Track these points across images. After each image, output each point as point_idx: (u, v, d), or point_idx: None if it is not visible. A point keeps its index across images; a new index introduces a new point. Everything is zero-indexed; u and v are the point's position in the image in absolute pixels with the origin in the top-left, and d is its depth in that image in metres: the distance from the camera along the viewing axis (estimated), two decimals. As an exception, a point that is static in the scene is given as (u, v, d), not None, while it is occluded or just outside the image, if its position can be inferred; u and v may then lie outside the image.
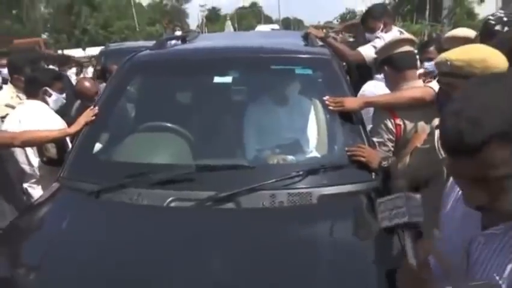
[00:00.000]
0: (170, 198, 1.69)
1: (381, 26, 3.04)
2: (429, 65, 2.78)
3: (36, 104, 2.73)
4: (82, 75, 7.48)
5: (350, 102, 2.03)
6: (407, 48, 2.15)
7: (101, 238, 1.57)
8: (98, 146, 2.12)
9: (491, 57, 1.53)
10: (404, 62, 2.13)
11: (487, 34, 1.87)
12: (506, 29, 2.08)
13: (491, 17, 2.13)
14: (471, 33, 2.58)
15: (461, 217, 0.95)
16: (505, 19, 2.11)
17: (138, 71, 2.39)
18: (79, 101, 3.54)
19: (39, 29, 28.75)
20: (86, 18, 31.30)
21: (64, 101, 2.88)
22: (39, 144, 2.17)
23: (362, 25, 3.27)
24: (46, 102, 2.75)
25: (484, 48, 1.61)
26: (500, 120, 0.70)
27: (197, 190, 1.71)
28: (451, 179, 1.00)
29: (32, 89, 2.78)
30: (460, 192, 0.89)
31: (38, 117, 2.59)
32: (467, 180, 0.77)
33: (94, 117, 2.13)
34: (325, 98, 2.04)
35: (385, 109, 2.11)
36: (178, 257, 1.44)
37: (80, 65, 8.94)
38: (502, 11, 2.18)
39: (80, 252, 1.49)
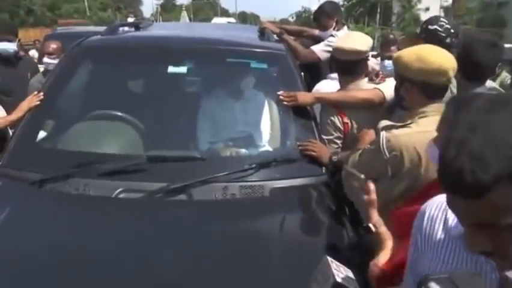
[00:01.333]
0: (119, 189, 1.65)
1: (334, 24, 3.09)
2: (389, 64, 2.88)
3: None
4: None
5: (303, 97, 2.07)
6: (361, 56, 2.20)
7: (44, 230, 1.49)
8: (42, 134, 2.01)
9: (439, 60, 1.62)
10: (356, 69, 2.19)
11: (431, 41, 1.98)
12: (452, 40, 2.22)
13: (439, 28, 2.24)
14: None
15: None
16: (452, 31, 2.26)
17: (88, 57, 2.29)
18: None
19: (-22, 7, 26.67)
20: (31, -2, 29.43)
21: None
22: None
23: (315, 22, 3.30)
24: None
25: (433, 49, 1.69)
26: (510, 158, 0.56)
27: (148, 181, 1.68)
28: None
29: None
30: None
31: None
32: (470, 223, 0.62)
33: (38, 103, 2.02)
34: (279, 93, 2.07)
35: (333, 107, 2.17)
36: (126, 250, 1.40)
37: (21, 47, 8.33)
38: (445, 21, 2.31)
39: (20, 245, 1.41)
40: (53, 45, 3.41)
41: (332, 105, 2.18)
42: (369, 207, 1.31)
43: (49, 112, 2.08)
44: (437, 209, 0.86)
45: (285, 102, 2.04)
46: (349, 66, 2.17)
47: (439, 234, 0.83)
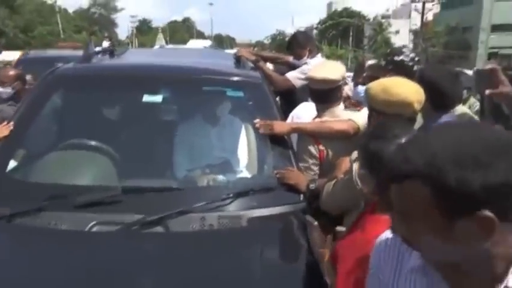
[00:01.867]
0: (93, 222, 1.60)
1: (307, 53, 3.17)
2: (361, 90, 2.95)
3: None
4: None
5: (279, 127, 2.09)
6: (334, 85, 2.25)
7: (13, 269, 1.43)
8: (12, 164, 1.95)
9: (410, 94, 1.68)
10: (330, 97, 2.24)
11: (403, 73, 2.07)
12: (419, 66, 2.31)
13: (405, 59, 2.33)
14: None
15: None
16: (416, 59, 2.35)
17: (61, 85, 2.25)
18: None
19: None
20: (3, 20, 28.94)
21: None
22: None
23: (288, 51, 3.38)
24: None
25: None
26: (427, 163, 0.71)
27: (123, 213, 1.64)
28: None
29: None
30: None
31: None
32: (396, 210, 0.79)
33: (8, 133, 1.96)
34: (255, 121, 2.08)
35: (309, 136, 2.20)
36: (103, 284, 1.35)
37: None
38: (408, 50, 2.42)
39: None
40: (6, 73, 3.30)
41: (307, 135, 2.21)
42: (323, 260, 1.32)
43: (20, 142, 2.02)
44: (388, 247, 0.98)
45: (261, 131, 2.06)
46: (323, 94, 2.22)
47: (396, 270, 0.95)
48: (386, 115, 1.64)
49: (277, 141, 2.09)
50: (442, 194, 0.69)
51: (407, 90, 1.67)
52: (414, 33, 35.15)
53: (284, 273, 1.50)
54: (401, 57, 2.32)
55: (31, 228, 1.59)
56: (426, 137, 0.77)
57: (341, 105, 2.33)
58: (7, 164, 1.92)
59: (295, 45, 3.23)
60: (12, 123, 2.01)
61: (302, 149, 2.19)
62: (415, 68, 2.30)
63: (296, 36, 3.34)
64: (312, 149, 2.17)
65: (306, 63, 3.05)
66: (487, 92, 1.64)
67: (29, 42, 26.51)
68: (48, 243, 1.56)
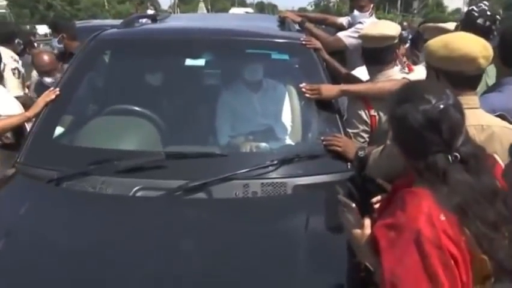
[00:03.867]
0: (137, 187, 1.59)
1: (370, 9, 2.91)
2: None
3: None
4: None
5: (327, 90, 1.97)
6: (390, 42, 2.08)
7: (61, 230, 1.45)
8: (58, 130, 1.97)
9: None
10: (384, 57, 2.08)
11: (467, 24, 1.86)
12: (487, 23, 2.07)
13: (475, 8, 2.10)
14: (450, 26, 2.57)
15: None
16: (488, 13, 2.10)
17: (104, 50, 2.24)
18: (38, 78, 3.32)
19: None
20: (50, -7, 29.84)
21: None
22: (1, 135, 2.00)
23: (352, 1, 3.10)
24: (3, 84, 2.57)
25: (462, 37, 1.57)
26: None
27: (166, 179, 1.62)
28: None
29: None
30: None
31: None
32: None
33: (54, 99, 1.98)
34: (301, 85, 1.97)
35: (360, 99, 2.06)
36: (144, 250, 1.35)
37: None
38: (486, 3, 2.16)
39: (38, 244, 1.38)
40: (42, 62, 3.12)
41: (358, 98, 2.07)
42: (361, 243, 1.18)
43: (66, 108, 2.04)
44: None
45: (307, 95, 1.94)
46: (376, 54, 2.06)
47: None
48: (447, 73, 1.48)
49: (324, 106, 1.98)
50: None
51: (470, 45, 1.48)
52: (470, -6, 32.72)
53: (329, 244, 1.43)
54: (472, 7, 2.09)
55: (78, 192, 1.61)
56: None
57: (396, 68, 2.15)
58: (54, 129, 1.95)
59: None
60: (57, 89, 2.02)
61: (352, 114, 2.07)
62: (480, 20, 2.06)
63: None
64: (363, 114, 2.04)
65: (360, 22, 2.83)
66: None
67: (75, 14, 27.18)
68: (94, 206, 1.57)
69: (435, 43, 1.55)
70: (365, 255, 1.17)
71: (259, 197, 1.60)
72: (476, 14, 2.07)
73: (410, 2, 38.87)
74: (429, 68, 1.60)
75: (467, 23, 1.87)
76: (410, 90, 1.16)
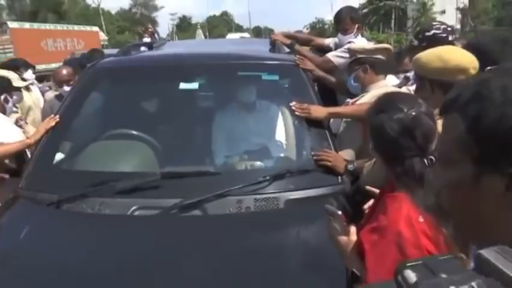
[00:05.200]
0: (134, 207, 1.65)
1: (355, 30, 3.02)
2: (411, 75, 2.83)
3: None
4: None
5: (316, 111, 2.04)
6: (384, 55, 2.21)
7: (63, 250, 1.51)
8: (59, 155, 2.05)
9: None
10: (383, 68, 2.20)
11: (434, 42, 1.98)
12: (454, 36, 2.19)
13: (437, 31, 2.21)
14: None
15: None
16: (449, 29, 2.23)
17: (102, 77, 2.33)
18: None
19: (2, 37, 27.79)
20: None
21: (14, 109, 2.90)
22: (1, 160, 2.08)
23: (336, 24, 3.20)
24: (4, 110, 2.66)
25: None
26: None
27: (162, 198, 1.68)
28: None
29: None
30: None
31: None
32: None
33: (54, 126, 2.06)
34: (292, 104, 2.05)
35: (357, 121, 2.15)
36: (144, 266, 1.39)
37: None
38: (437, 23, 2.30)
39: (40, 264, 1.43)
40: (60, 75, 3.53)
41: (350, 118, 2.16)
42: (347, 249, 1.24)
43: (65, 134, 2.12)
44: None
45: (297, 113, 2.02)
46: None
47: None
48: (441, 83, 1.56)
49: (314, 124, 2.05)
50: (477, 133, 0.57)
51: (462, 56, 1.58)
52: (462, 11, 33.32)
53: (321, 256, 1.47)
54: (432, 32, 2.20)
55: (77, 213, 1.67)
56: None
57: (390, 78, 2.27)
58: (54, 154, 2.02)
59: (347, 17, 3.02)
60: (57, 116, 2.11)
61: (348, 134, 2.16)
62: (451, 38, 2.17)
63: (349, 8, 3.14)
64: (358, 134, 2.12)
65: (350, 41, 2.93)
66: None
67: (75, 45, 27.66)
68: (93, 227, 1.62)
69: (427, 56, 1.64)
70: (351, 261, 1.22)
71: (252, 212, 1.66)
72: (444, 35, 2.19)
73: (404, 21, 39.56)
74: (422, 79, 1.66)
75: (435, 45, 2.00)
76: (384, 101, 1.24)
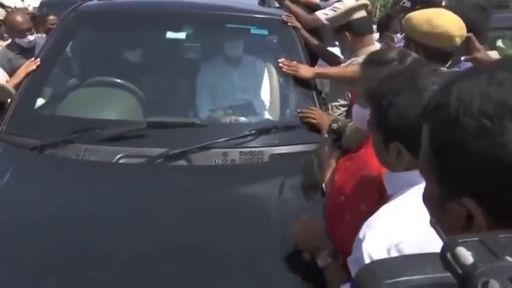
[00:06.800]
0: (119, 155, 1.65)
1: None
2: (396, 37, 2.82)
3: None
4: None
5: (303, 71, 2.04)
6: (363, 13, 2.19)
7: (46, 195, 1.50)
8: (40, 100, 2.00)
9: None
10: (363, 27, 2.18)
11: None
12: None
13: None
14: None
15: None
16: None
17: (84, 22, 2.24)
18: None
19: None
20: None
21: None
22: None
23: None
24: None
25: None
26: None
27: (148, 147, 1.68)
28: None
29: None
30: None
31: None
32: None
33: (35, 70, 2.00)
34: (280, 60, 2.04)
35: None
36: (129, 215, 1.41)
37: None
38: None
39: (22, 210, 1.42)
40: (14, 21, 3.00)
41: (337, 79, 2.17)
42: (328, 169, 1.37)
43: (47, 78, 2.06)
44: None
45: (284, 70, 2.02)
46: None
47: None
48: (426, 47, 1.57)
49: (301, 81, 2.05)
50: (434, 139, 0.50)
51: (451, 23, 1.58)
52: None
53: (303, 209, 1.52)
54: None
55: (61, 158, 1.66)
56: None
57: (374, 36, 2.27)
58: (36, 99, 1.97)
59: None
60: (38, 60, 2.04)
61: (334, 88, 2.17)
62: (444, 3, 2.17)
63: None
64: (344, 89, 2.14)
65: (339, 0, 2.89)
66: None
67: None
68: (78, 172, 1.62)
69: (417, 16, 1.63)
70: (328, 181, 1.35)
71: (237, 164, 1.69)
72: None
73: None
74: (409, 40, 1.67)
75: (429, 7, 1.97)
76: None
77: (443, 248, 0.36)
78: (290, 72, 2.02)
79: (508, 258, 0.33)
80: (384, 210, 0.86)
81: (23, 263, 1.19)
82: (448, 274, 0.35)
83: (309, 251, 1.21)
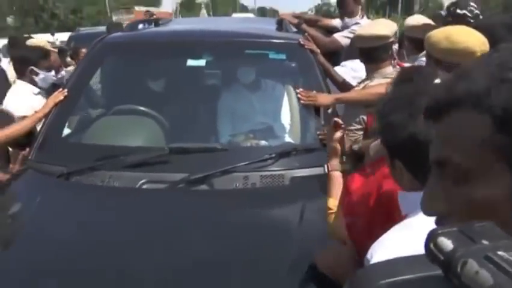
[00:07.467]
0: (142, 180, 1.68)
1: (359, 11, 2.99)
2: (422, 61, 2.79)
3: (22, 85, 2.66)
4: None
5: (322, 99, 2.04)
6: (384, 41, 2.18)
7: (73, 221, 1.54)
8: (67, 129, 2.08)
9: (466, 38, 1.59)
10: (378, 56, 2.17)
11: (453, 19, 1.96)
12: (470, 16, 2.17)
13: (468, 14, 2.18)
14: (425, 19, 2.66)
15: None
16: (480, 17, 2.20)
17: (110, 52, 2.34)
18: None
19: (4, 11, 27.54)
20: (54, 3, 30.11)
21: (54, 78, 2.81)
22: (18, 137, 2.10)
23: (340, 8, 3.19)
24: (35, 82, 2.68)
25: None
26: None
27: (170, 172, 1.71)
28: None
29: (20, 68, 2.73)
30: None
31: (23, 101, 2.52)
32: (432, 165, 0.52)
33: (63, 100, 2.08)
34: (298, 91, 2.05)
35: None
36: (152, 239, 1.43)
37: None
38: (474, 5, 2.24)
39: (51, 235, 1.46)
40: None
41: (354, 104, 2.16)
42: (332, 154, 1.40)
43: (74, 107, 2.14)
44: None
45: (303, 102, 2.02)
46: (371, 53, 2.15)
47: None
48: (446, 64, 1.56)
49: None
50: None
51: (471, 39, 1.56)
52: (470, -4, 32.70)
53: (323, 233, 1.50)
54: (463, 11, 2.18)
55: (87, 185, 1.70)
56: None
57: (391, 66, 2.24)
58: (63, 127, 2.05)
59: (349, 0, 3.00)
60: (66, 90, 2.12)
61: (348, 112, 2.16)
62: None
63: None
64: (358, 112, 2.13)
65: (356, 23, 2.91)
66: None
67: (79, 23, 27.41)
68: (103, 198, 1.66)
69: (437, 34, 1.63)
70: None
71: (258, 188, 1.69)
72: (472, 21, 2.15)
73: (411, 5, 38.94)
74: (429, 58, 1.68)
75: (453, 18, 1.97)
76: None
77: (426, 240, 0.38)
78: (309, 103, 2.03)
79: (484, 241, 0.35)
80: (394, 231, 0.85)
81: (49, 278, 1.24)
82: (439, 271, 0.37)
83: (335, 278, 1.19)
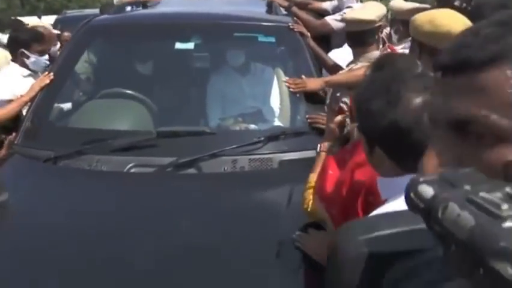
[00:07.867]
0: (130, 164, 1.67)
1: None
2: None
3: (12, 67, 2.60)
4: None
5: (311, 84, 2.02)
6: (371, 25, 2.16)
7: (61, 205, 1.53)
8: (54, 113, 2.05)
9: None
10: (368, 39, 2.16)
11: (444, 4, 1.93)
12: (464, 5, 2.14)
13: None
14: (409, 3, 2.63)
15: None
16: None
17: (96, 35, 2.30)
18: None
19: (-11, -6, 26.84)
20: (41, -16, 29.41)
21: (47, 62, 2.74)
22: (4, 121, 2.07)
23: None
24: (26, 65, 2.62)
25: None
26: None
27: (158, 156, 1.70)
28: None
29: (11, 51, 2.68)
30: None
31: (13, 83, 2.47)
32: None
33: (48, 83, 2.05)
34: (285, 80, 2.04)
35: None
36: (141, 223, 1.43)
37: None
38: None
39: (39, 220, 1.45)
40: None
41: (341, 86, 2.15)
42: (328, 135, 1.41)
43: (60, 91, 2.11)
44: None
45: (292, 90, 2.01)
46: (357, 37, 2.14)
47: None
48: (429, 48, 1.55)
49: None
50: None
51: (455, 22, 1.55)
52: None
53: None
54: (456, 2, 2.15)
55: (75, 169, 1.69)
56: None
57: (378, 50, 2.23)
58: (49, 112, 2.02)
59: None
60: (52, 74, 2.09)
61: (334, 96, 2.15)
62: (457, 3, 2.14)
63: None
64: (345, 98, 2.12)
65: (348, 6, 2.87)
66: None
67: (66, 4, 26.82)
68: (91, 182, 1.65)
69: (421, 18, 1.62)
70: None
71: (246, 172, 1.69)
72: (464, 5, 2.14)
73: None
74: (413, 41, 1.66)
75: (444, 3, 1.94)
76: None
77: (406, 190, 0.36)
78: (298, 90, 2.02)
79: (466, 186, 0.33)
80: (375, 214, 0.86)
81: (40, 264, 1.24)
82: (421, 225, 0.35)
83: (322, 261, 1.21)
